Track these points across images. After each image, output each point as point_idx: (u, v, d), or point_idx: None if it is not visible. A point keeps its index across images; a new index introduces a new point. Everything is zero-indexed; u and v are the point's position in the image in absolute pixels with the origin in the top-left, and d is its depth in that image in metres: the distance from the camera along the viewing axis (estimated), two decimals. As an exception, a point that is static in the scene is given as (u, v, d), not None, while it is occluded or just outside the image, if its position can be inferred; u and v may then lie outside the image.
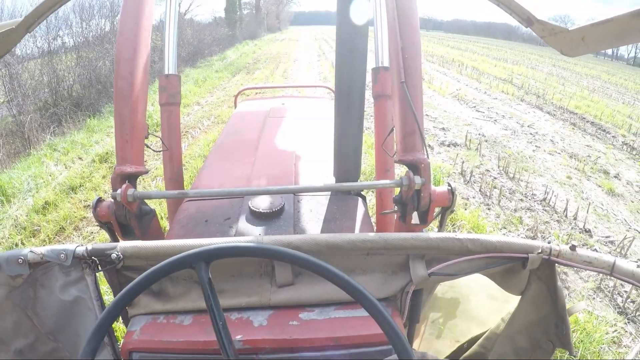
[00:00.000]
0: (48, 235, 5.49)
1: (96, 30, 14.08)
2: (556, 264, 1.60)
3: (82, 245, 1.52)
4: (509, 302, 1.92)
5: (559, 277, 4.82)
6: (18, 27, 1.43)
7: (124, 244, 1.50)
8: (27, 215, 6.02)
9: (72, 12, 14.33)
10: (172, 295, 1.53)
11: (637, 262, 1.49)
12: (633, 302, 4.60)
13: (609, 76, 32.19)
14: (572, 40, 1.43)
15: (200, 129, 10.26)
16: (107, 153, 8.28)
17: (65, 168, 7.78)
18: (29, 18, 1.43)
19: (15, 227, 5.77)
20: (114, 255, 1.47)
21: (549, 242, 1.59)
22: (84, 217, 6.00)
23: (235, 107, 4.46)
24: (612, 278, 4.69)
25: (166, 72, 2.63)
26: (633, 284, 1.47)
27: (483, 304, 2.10)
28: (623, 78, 32.70)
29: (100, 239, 5.26)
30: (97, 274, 1.57)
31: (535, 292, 1.70)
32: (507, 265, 1.60)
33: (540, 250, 1.55)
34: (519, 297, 1.76)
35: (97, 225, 2.02)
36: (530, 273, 1.65)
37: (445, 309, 2.20)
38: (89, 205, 6.31)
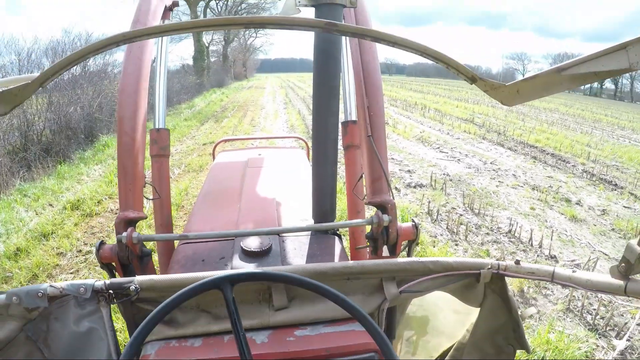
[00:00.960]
0: (21, 282, 5.42)
1: (68, 75, 14.01)
2: (505, 277, 1.89)
3: (100, 280, 1.68)
4: (471, 314, 2.15)
5: (525, 290, 5.08)
6: (33, 82, 1.56)
7: (140, 278, 1.68)
8: (-3, 261, 5.97)
9: (44, 55, 14.42)
10: (181, 322, 1.69)
11: (572, 268, 1.75)
12: (602, 318, 4.84)
13: (567, 108, 33.58)
14: (509, 93, 1.67)
15: (171, 177, 10.18)
16: (78, 200, 8.25)
17: (36, 214, 7.73)
18: (44, 74, 1.56)
19: (-15, 272, 5.71)
20: (132, 287, 1.64)
21: (497, 260, 1.90)
22: (57, 265, 5.95)
23: (214, 157, 4.67)
24: (581, 298, 5.05)
25: (157, 127, 2.80)
26: (572, 287, 1.74)
27: (449, 319, 2.29)
28: (580, 109, 34.17)
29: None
30: (111, 306, 1.71)
31: (491, 303, 1.98)
32: (464, 281, 1.90)
33: (490, 266, 1.86)
34: (479, 308, 2.04)
35: (98, 266, 2.20)
36: (485, 287, 1.94)
37: (416, 327, 2.38)
38: (61, 253, 6.29)
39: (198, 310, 1.72)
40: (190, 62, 43.16)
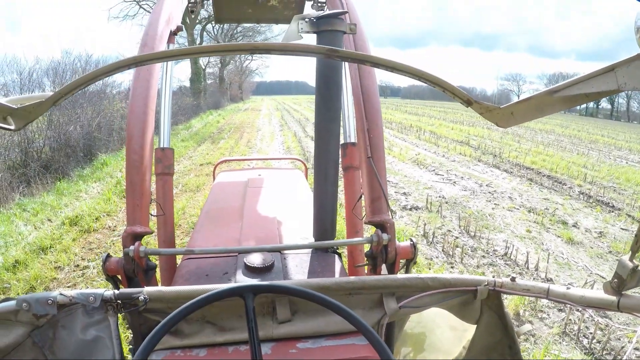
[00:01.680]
0: (18, 293, 5.44)
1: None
2: (502, 294, 1.95)
3: (109, 290, 1.72)
4: (468, 331, 2.21)
5: (508, 308, 5.10)
6: (47, 100, 1.62)
7: (149, 289, 1.73)
8: (-4, 272, 6.01)
9: (45, 75, 14.59)
10: (187, 333, 1.74)
11: (566, 285, 1.80)
12: (599, 342, 4.86)
13: (563, 129, 33.73)
14: (504, 115, 1.73)
15: None
16: (76, 216, 8.29)
17: (35, 229, 7.78)
18: (58, 93, 1.62)
19: (-17, 283, 5.73)
20: (141, 298, 1.68)
21: (493, 277, 1.96)
22: (55, 278, 6.00)
23: (214, 178, 4.79)
24: (577, 321, 5.08)
25: (161, 146, 2.87)
26: (566, 304, 1.80)
27: (446, 335, 2.33)
28: (576, 129, 34.33)
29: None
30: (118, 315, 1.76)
31: (487, 320, 2.04)
32: (461, 297, 1.96)
33: (486, 283, 1.92)
34: (475, 325, 2.09)
35: (104, 279, 2.25)
36: (482, 303, 2.00)
37: (414, 344, 2.42)
38: (59, 267, 6.34)
39: (203, 321, 1.76)
40: (187, 84, 43.38)
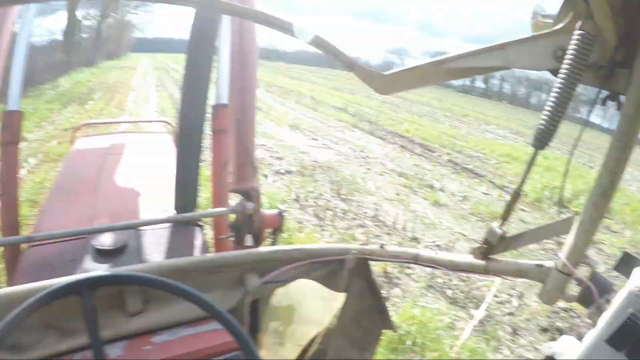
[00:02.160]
0: None
1: None
2: (370, 261, 1.96)
3: None
4: (338, 300, 2.17)
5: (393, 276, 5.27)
6: None
7: None
8: None
9: None
10: (26, 344, 1.48)
11: (435, 250, 1.83)
12: (462, 292, 5.28)
13: (438, 102, 35.47)
14: (386, 82, 1.72)
15: (25, 169, 8.72)
16: None
17: None
18: None
19: None
20: None
21: (362, 244, 1.96)
22: None
23: (73, 144, 4.17)
24: (442, 275, 5.47)
25: (9, 108, 2.46)
26: (435, 268, 1.84)
27: (316, 306, 2.28)
28: (450, 103, 36.28)
29: None
30: None
31: (356, 287, 2.05)
32: (329, 267, 1.94)
33: (354, 251, 1.91)
34: (345, 294, 2.05)
35: None
36: (350, 272, 1.98)
37: (283, 317, 2.36)
38: None
39: (44, 327, 1.52)
40: (60, 37, 40.28)
